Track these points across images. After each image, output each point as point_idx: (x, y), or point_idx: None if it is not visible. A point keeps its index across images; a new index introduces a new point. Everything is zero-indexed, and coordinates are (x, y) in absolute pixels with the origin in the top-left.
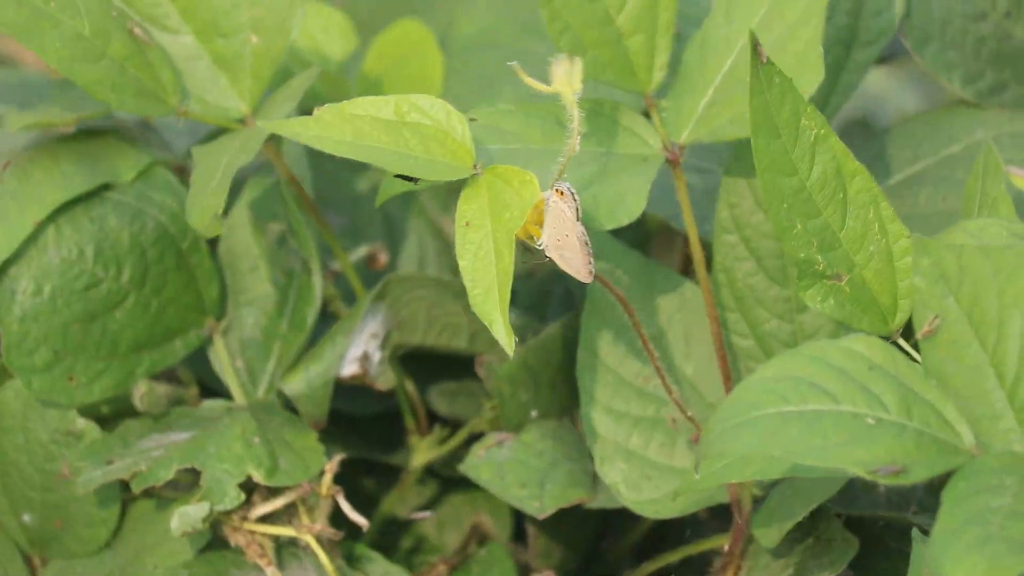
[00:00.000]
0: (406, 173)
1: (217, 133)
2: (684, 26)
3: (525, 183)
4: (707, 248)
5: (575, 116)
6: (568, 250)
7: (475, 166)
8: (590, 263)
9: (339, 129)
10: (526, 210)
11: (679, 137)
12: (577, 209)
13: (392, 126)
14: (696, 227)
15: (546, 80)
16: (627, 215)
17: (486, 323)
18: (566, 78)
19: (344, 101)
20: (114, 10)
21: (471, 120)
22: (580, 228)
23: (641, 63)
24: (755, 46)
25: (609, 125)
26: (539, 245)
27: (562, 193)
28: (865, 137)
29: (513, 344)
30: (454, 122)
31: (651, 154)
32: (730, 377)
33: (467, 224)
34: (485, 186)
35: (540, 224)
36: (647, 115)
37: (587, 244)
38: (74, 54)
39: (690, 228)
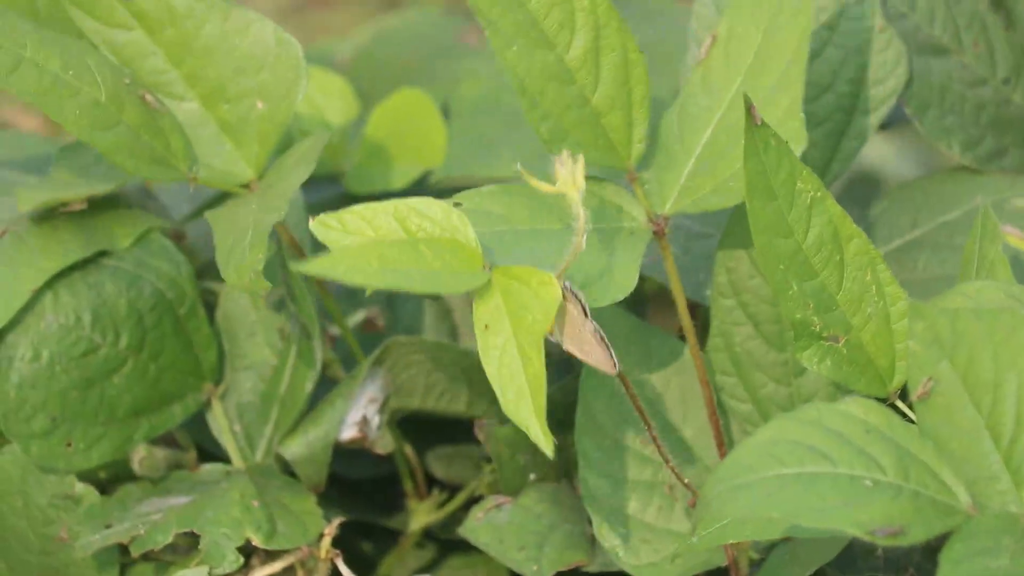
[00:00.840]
0: (430, 292)
1: (215, 199)
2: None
3: (544, 284)
4: (705, 313)
5: (581, 215)
6: (586, 345)
7: (484, 267)
8: (612, 355)
9: (365, 259)
10: (550, 313)
11: (663, 208)
12: (584, 307)
13: (411, 245)
14: (693, 292)
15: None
16: (620, 291)
17: (522, 427)
18: (570, 178)
19: (341, 211)
20: (126, 77)
21: (456, 204)
22: (592, 325)
23: (620, 139)
24: (749, 108)
25: (593, 200)
26: (552, 338)
27: (567, 295)
28: (864, 202)
29: (552, 448)
30: (455, 222)
31: (637, 227)
32: (723, 442)
33: (486, 327)
34: (499, 288)
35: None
36: (631, 189)
37: (603, 339)
38: (92, 121)
39: (678, 296)
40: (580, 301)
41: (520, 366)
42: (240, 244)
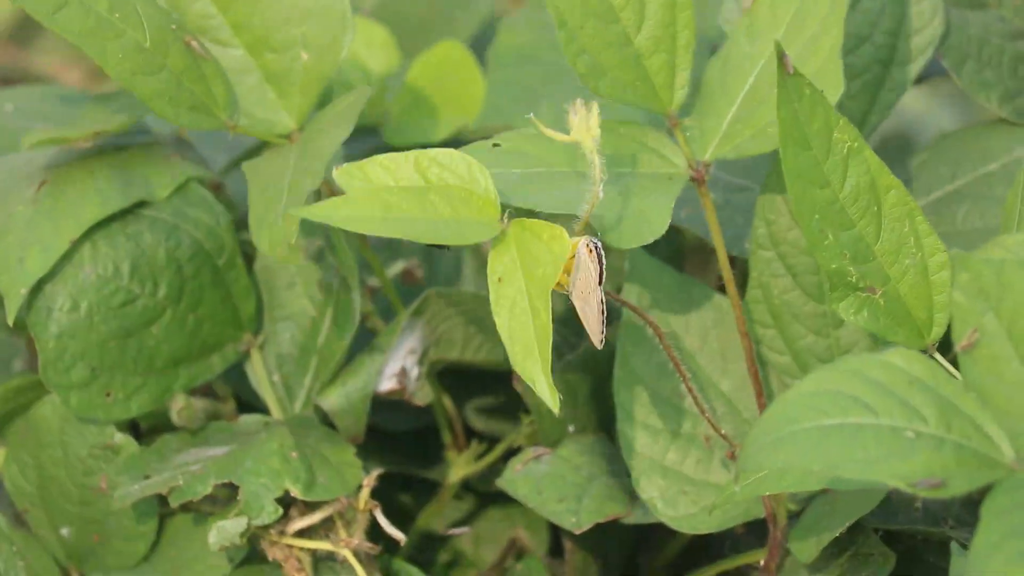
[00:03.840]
0: (436, 242)
1: (254, 149)
2: (699, 44)
3: (555, 237)
4: (743, 265)
5: (596, 164)
6: (588, 307)
7: (502, 219)
8: (603, 330)
9: (369, 206)
10: (559, 266)
11: (703, 155)
12: (602, 273)
13: (419, 193)
14: (731, 245)
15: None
16: (651, 233)
17: (527, 382)
18: (584, 126)
19: (365, 161)
20: (173, 22)
21: (495, 146)
22: (600, 293)
23: (662, 83)
24: (781, 57)
25: (633, 146)
26: (566, 291)
27: (591, 250)
28: (903, 154)
29: (558, 403)
30: (476, 175)
31: (676, 173)
32: (763, 393)
33: (499, 280)
34: (513, 240)
35: (569, 272)
36: (671, 134)
37: (604, 312)
38: (135, 66)
39: (719, 246)
40: (600, 263)
41: (530, 319)
42: (274, 208)
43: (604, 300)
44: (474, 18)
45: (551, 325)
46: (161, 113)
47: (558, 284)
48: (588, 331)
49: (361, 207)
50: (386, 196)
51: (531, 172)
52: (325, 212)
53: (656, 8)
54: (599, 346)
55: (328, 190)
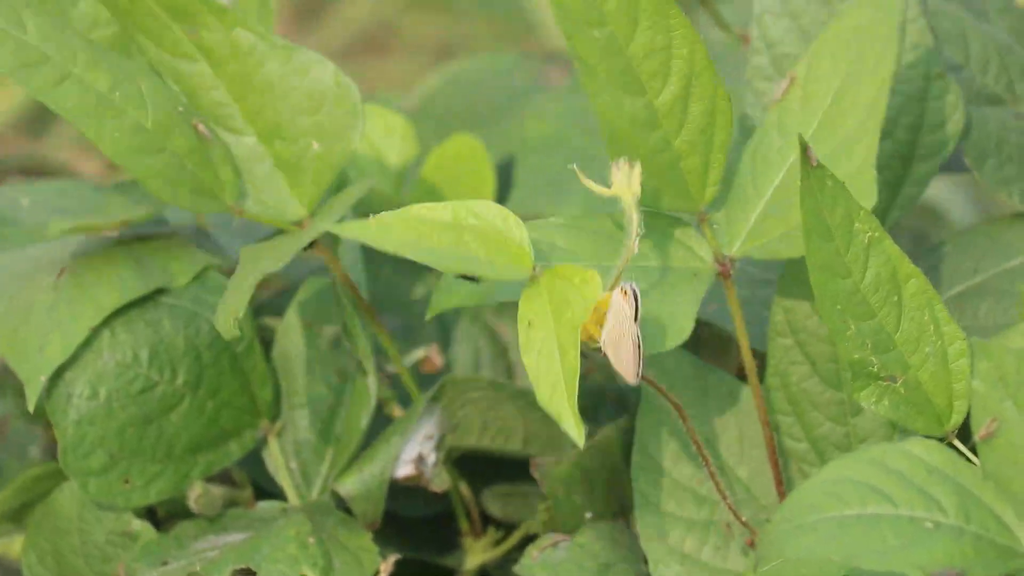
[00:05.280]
0: (466, 273)
1: (270, 236)
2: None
3: (586, 281)
4: (759, 357)
5: (634, 219)
6: (622, 349)
7: (534, 268)
8: (639, 366)
9: (399, 231)
10: (589, 307)
11: (730, 250)
12: (637, 310)
13: (452, 228)
14: (754, 341)
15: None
16: (676, 338)
17: (555, 418)
18: (625, 181)
19: (404, 208)
20: (180, 106)
21: None
22: (636, 330)
23: (695, 182)
24: (804, 149)
25: (662, 239)
26: (598, 344)
27: (625, 293)
28: (922, 239)
29: (583, 437)
30: (511, 225)
31: (703, 268)
32: (782, 481)
33: (529, 324)
34: (546, 286)
35: (601, 325)
36: (699, 229)
37: (640, 347)
38: (132, 145)
39: (741, 337)
40: (636, 302)
41: (557, 358)
42: (240, 285)
43: (639, 335)
44: (527, 108)
45: (579, 363)
46: (159, 194)
47: (589, 338)
48: (622, 372)
49: (393, 230)
50: (419, 225)
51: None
52: (358, 230)
53: (696, 115)
54: (634, 382)
55: (343, 278)
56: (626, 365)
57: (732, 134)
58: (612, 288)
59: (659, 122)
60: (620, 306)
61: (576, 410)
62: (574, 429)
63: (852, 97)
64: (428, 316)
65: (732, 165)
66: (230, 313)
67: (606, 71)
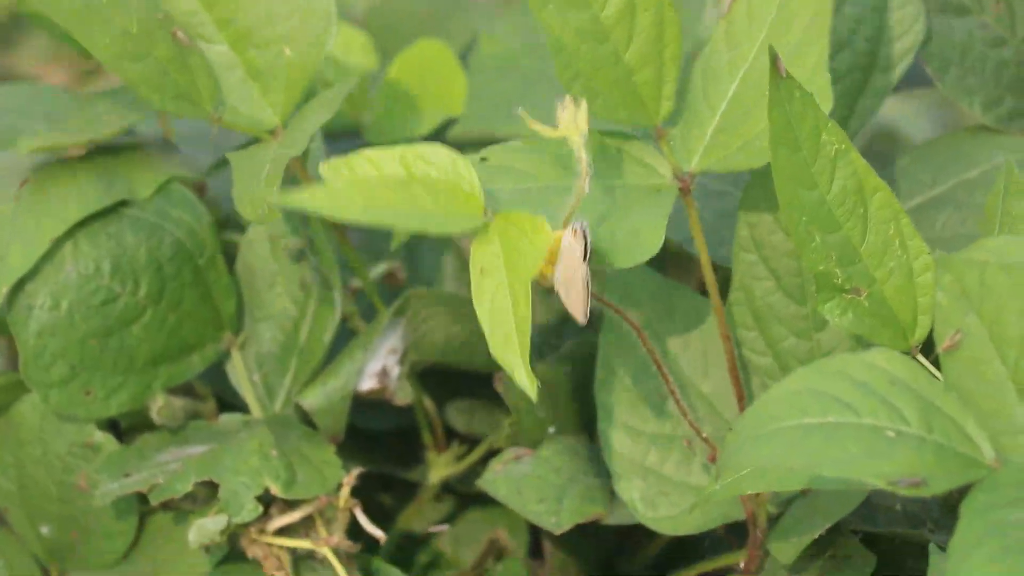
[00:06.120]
0: (418, 230)
1: (238, 150)
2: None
3: (537, 229)
4: (723, 272)
5: (583, 159)
6: (572, 289)
7: (485, 212)
8: (587, 305)
9: (349, 196)
10: (539, 257)
11: (689, 165)
12: (586, 249)
13: (402, 185)
14: (712, 252)
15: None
16: (645, 252)
17: (506, 370)
18: (572, 121)
19: (351, 154)
20: (159, 12)
21: (482, 160)
22: (585, 269)
23: (650, 96)
24: (774, 60)
25: (620, 158)
26: (549, 283)
27: (575, 232)
28: (883, 161)
29: (536, 391)
30: (461, 169)
31: (663, 184)
32: (744, 397)
33: (481, 271)
34: (496, 232)
35: (554, 264)
36: (657, 145)
37: (588, 286)
38: (122, 51)
39: (703, 253)
40: (585, 243)
41: (510, 308)
42: (257, 179)
43: (589, 274)
44: (470, 22)
45: (531, 315)
46: (148, 99)
47: (542, 276)
48: (572, 311)
49: (342, 196)
50: (368, 186)
51: (521, 188)
52: (305, 199)
53: (644, 26)
54: (583, 321)
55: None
56: (575, 305)
57: (682, 46)
58: (565, 224)
59: (607, 34)
60: (571, 246)
61: (528, 362)
62: (526, 381)
63: (797, 4)
64: (394, 245)
65: (685, 81)
66: (261, 199)
67: None
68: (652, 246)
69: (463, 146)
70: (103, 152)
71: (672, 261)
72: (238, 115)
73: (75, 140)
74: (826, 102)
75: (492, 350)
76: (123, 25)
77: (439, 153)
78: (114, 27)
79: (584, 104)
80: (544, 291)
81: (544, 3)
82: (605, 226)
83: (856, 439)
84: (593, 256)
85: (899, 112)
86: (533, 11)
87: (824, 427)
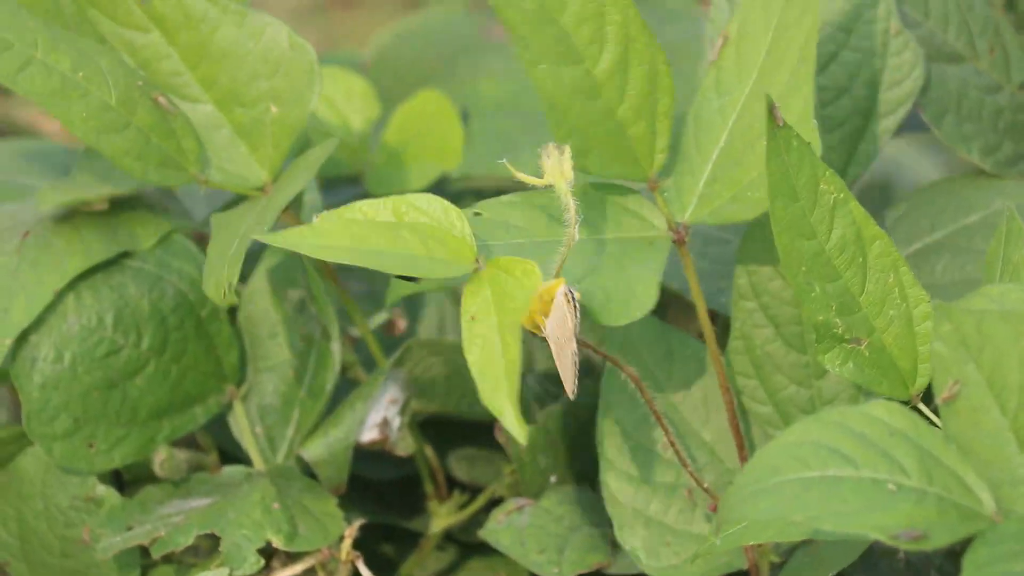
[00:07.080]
0: (406, 274)
1: (234, 201)
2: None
3: (527, 272)
4: (724, 320)
5: (570, 206)
6: (563, 355)
7: (477, 260)
8: (575, 381)
9: (337, 236)
10: (528, 300)
11: (683, 216)
12: (576, 324)
13: (390, 228)
14: (711, 299)
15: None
16: (640, 309)
17: (495, 414)
18: (557, 168)
19: (346, 206)
20: (139, 79)
21: (475, 215)
22: (575, 345)
23: (643, 150)
24: (771, 109)
25: (613, 210)
26: (543, 333)
27: (567, 298)
28: (883, 206)
29: (525, 435)
30: (452, 218)
31: (657, 236)
32: (745, 444)
33: (472, 318)
34: (488, 280)
35: (547, 315)
36: (651, 197)
37: (576, 363)
38: (100, 124)
39: (699, 302)
40: (575, 313)
41: (500, 352)
42: (224, 254)
43: (577, 352)
44: (479, 63)
45: (520, 359)
46: (129, 170)
47: (535, 327)
48: (563, 379)
49: (329, 235)
50: (355, 227)
51: (515, 243)
52: (293, 239)
53: (637, 81)
54: (571, 396)
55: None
56: (565, 375)
57: (675, 99)
58: (557, 274)
59: (599, 90)
60: (562, 310)
61: (517, 407)
62: (514, 426)
63: (783, 49)
64: (387, 303)
65: (679, 129)
66: (223, 281)
67: (540, 41)
68: (647, 302)
69: (464, 194)
70: None
71: (674, 304)
72: (226, 174)
73: (97, 195)
74: (815, 148)
75: (481, 395)
76: (101, 98)
77: (431, 202)
78: (92, 101)
79: (567, 151)
80: (543, 340)
81: (537, 62)
82: (599, 280)
83: (856, 492)
84: (587, 317)
85: (899, 156)
86: (526, 71)
87: (824, 480)
